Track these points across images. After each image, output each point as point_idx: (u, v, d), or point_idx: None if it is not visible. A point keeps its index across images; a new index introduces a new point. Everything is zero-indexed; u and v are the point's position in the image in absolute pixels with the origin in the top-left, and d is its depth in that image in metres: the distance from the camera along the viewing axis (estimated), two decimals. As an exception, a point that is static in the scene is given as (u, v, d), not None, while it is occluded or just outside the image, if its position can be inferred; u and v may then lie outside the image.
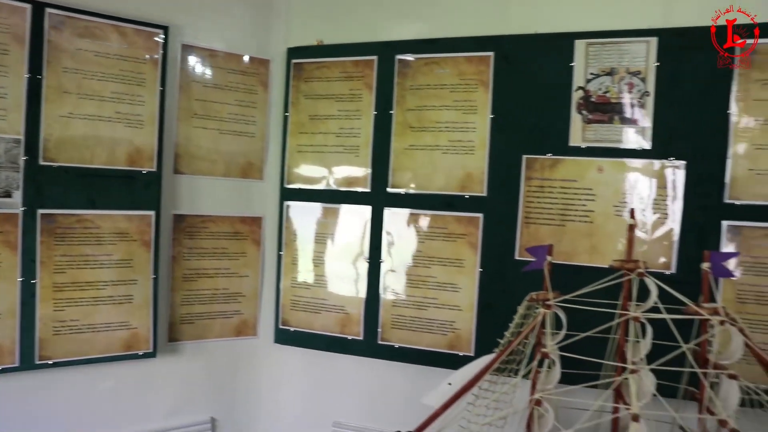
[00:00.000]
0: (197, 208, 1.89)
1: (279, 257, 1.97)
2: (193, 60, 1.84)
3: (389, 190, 1.82)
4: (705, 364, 1.09)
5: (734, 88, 1.53)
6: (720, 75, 1.53)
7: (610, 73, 1.62)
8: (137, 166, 1.73)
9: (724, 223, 1.53)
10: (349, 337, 1.87)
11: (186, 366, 1.92)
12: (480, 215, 1.72)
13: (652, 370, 1.11)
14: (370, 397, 1.92)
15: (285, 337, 1.97)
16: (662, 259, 1.56)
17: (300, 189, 1.94)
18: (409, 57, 1.80)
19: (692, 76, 1.56)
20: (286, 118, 1.95)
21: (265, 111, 1.97)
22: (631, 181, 1.59)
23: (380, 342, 1.84)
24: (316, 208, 1.92)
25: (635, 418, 1.03)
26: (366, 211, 1.85)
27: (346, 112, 1.88)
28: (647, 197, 1.58)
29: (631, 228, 1.14)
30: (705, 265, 1.11)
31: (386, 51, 1.83)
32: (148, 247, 1.76)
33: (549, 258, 1.23)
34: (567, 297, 1.21)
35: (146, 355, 1.78)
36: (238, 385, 2.03)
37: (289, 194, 1.95)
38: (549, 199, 1.65)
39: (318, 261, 1.92)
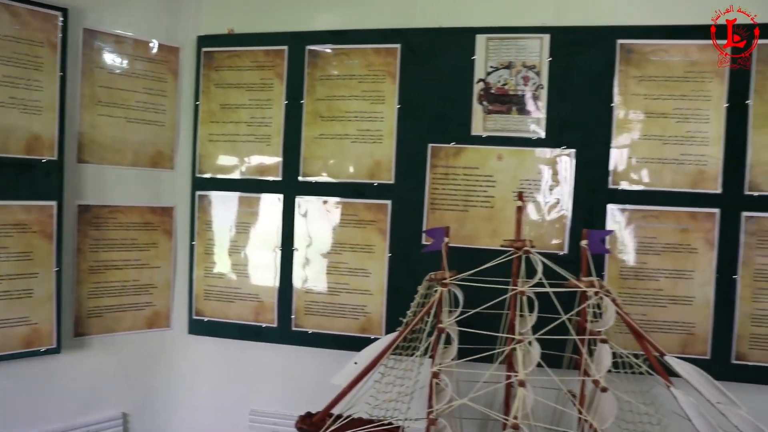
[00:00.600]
0: (104, 198, 1.84)
1: (191, 247, 1.96)
2: (96, 45, 1.79)
3: (301, 178, 1.85)
4: (584, 332, 1.19)
5: (616, 83, 1.66)
6: (604, 70, 1.67)
7: (508, 66, 1.72)
8: (36, 155, 1.67)
9: (609, 207, 1.66)
10: (263, 325, 1.89)
11: (95, 361, 1.87)
12: (388, 202, 1.78)
13: (539, 340, 1.21)
14: (285, 383, 1.94)
15: (199, 327, 1.96)
16: (556, 241, 1.68)
17: (212, 178, 1.93)
18: (319, 48, 1.83)
19: (580, 71, 1.68)
20: (197, 107, 1.94)
21: (175, 99, 1.95)
22: (528, 168, 1.70)
23: (294, 329, 1.87)
24: (228, 197, 1.92)
25: (522, 383, 1.12)
26: (278, 199, 1.87)
27: (258, 102, 1.89)
28: (542, 183, 1.69)
29: (519, 210, 1.23)
30: (583, 243, 1.21)
31: (297, 41, 1.85)
32: (50, 239, 1.70)
33: (446, 239, 1.30)
34: (462, 276, 1.29)
35: (49, 352, 1.72)
36: (152, 378, 2.00)
37: (201, 184, 1.94)
38: (453, 186, 1.74)
39: (231, 250, 1.92)
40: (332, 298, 1.83)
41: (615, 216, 1.66)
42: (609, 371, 1.24)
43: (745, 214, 1.62)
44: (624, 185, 1.66)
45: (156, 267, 1.95)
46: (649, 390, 1.25)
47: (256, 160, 1.89)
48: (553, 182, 1.68)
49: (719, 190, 1.63)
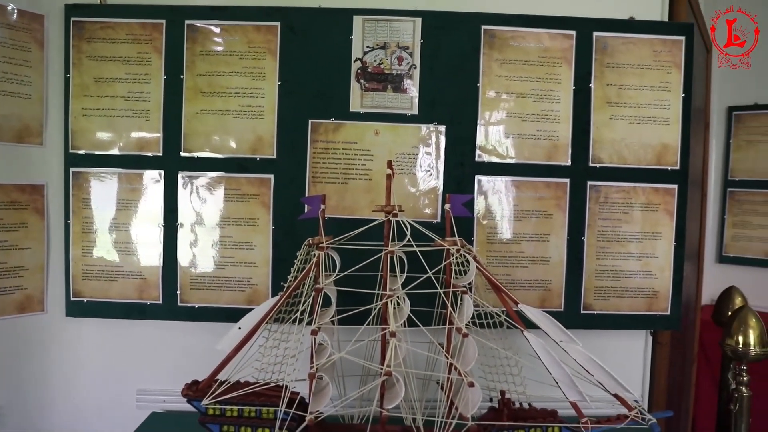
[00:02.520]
0: (-37, 176, 1.73)
1: (67, 226, 1.89)
2: (-51, 11, 1.67)
3: (183, 154, 1.85)
4: (449, 287, 1.32)
5: (481, 65, 1.82)
6: (470, 53, 1.82)
7: (383, 47, 1.82)
8: None
9: (477, 178, 1.82)
10: (148, 302, 1.87)
11: (-41, 350, 1.77)
12: (271, 176, 1.83)
13: (410, 298, 1.33)
14: (174, 359, 1.94)
15: (78, 309, 1.90)
16: (430, 210, 1.81)
17: (88, 155, 1.87)
18: (199, 23, 1.83)
19: (449, 53, 1.82)
20: (67, 80, 1.86)
21: (42, 71, 1.86)
22: (403, 143, 1.81)
23: (180, 304, 1.87)
24: (106, 173, 1.87)
25: (392, 334, 1.23)
26: (159, 175, 1.85)
27: (135, 76, 1.85)
28: (416, 157, 1.81)
29: (388, 177, 1.33)
30: (447, 206, 1.34)
31: (175, 15, 1.84)
32: None
33: (323, 206, 1.38)
34: (338, 239, 1.38)
35: None
36: (26, 366, 1.92)
37: (75, 160, 1.87)
38: (333, 160, 1.82)
39: (112, 228, 1.88)
40: (218, 272, 1.85)
41: (482, 186, 1.83)
42: (474, 323, 1.39)
43: (590, 183, 1.84)
44: (489, 158, 1.82)
45: (26, 248, 1.86)
46: (507, 337, 1.41)
47: (135, 135, 1.85)
48: (426, 155, 1.81)
49: (569, 163, 1.84)
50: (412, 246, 1.31)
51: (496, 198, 1.82)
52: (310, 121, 1.82)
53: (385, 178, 1.34)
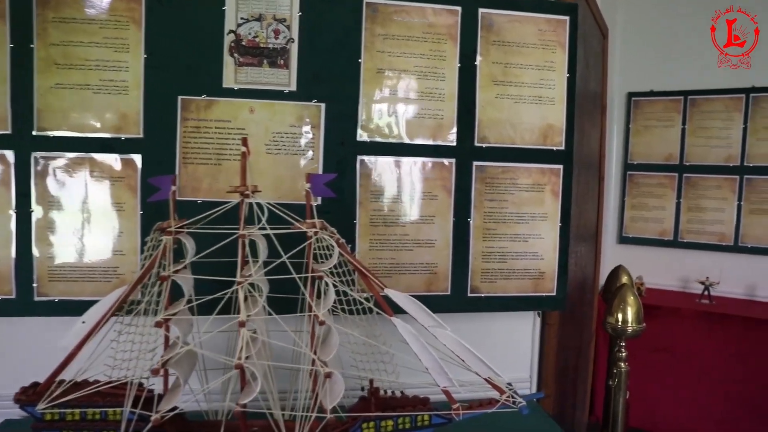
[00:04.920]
0: None
1: None
2: None
3: (36, 133, 1.66)
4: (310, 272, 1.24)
5: (363, 40, 1.73)
6: (352, 27, 1.73)
7: (258, 18, 1.70)
8: None
9: (359, 158, 1.75)
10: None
11: None
12: (138, 157, 1.68)
13: (274, 283, 1.24)
14: (31, 360, 1.76)
15: None
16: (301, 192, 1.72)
17: (-76, 133, 1.65)
18: (51, -13, 1.65)
19: (330, 27, 1.72)
20: None
21: None
22: (280, 122, 1.71)
23: (37, 298, 1.70)
24: (-53, 155, 1.66)
25: (242, 324, 1.13)
26: (8, 156, 1.66)
27: (-23, 45, 1.65)
28: (295, 136, 1.72)
29: (244, 155, 1.23)
30: (306, 186, 1.25)
31: (23, -23, 1.64)
32: None
33: (174, 187, 1.26)
34: (187, 222, 1.27)
35: None
36: None
37: None
38: (205, 140, 1.69)
39: (-44, 216, 1.67)
40: (80, 262, 1.69)
41: (365, 167, 1.75)
42: (343, 310, 1.32)
43: (475, 163, 1.80)
44: (372, 138, 1.75)
45: None
46: (378, 323, 1.35)
47: (-23, 111, 1.65)
48: (305, 134, 1.72)
49: (454, 142, 1.79)
50: (266, 229, 1.22)
51: (378, 179, 1.76)
52: (179, 97, 1.68)
53: (241, 156, 1.24)
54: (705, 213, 3.64)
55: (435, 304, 1.77)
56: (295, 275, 1.22)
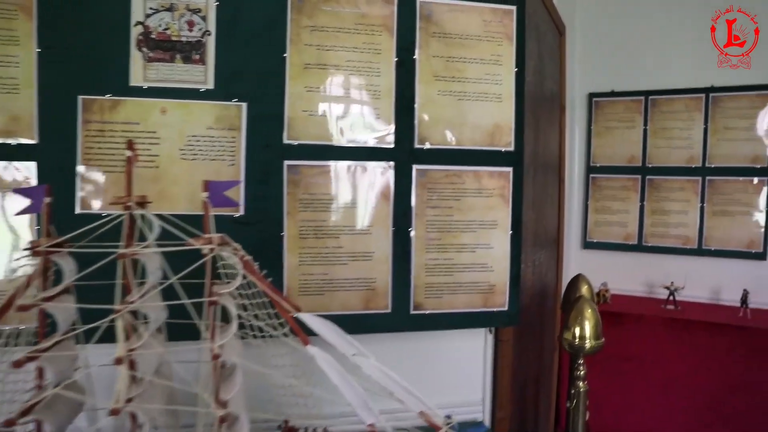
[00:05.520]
0: None
1: None
2: None
3: None
4: (211, 294, 1.06)
5: (288, 32, 1.56)
6: (275, 18, 1.56)
7: (170, 8, 1.52)
8: None
9: (285, 162, 1.57)
10: None
11: None
12: (33, 164, 1.48)
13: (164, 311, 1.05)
14: None
15: None
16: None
17: None
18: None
19: (251, 18, 1.55)
20: None
21: None
22: (196, 123, 1.52)
23: None
24: None
25: (118, 360, 0.94)
26: None
27: None
28: (212, 139, 1.53)
29: (130, 160, 1.04)
30: (204, 196, 1.07)
31: None
32: None
33: (47, 199, 1.06)
34: (62, 239, 1.07)
35: None
36: None
37: None
38: (111, 144, 1.50)
39: None
40: (-35, 287, 1.47)
41: (293, 173, 1.58)
42: (254, 336, 1.14)
43: (416, 167, 1.64)
44: (300, 140, 1.58)
45: None
46: (295, 351, 1.17)
47: None
48: (225, 137, 1.53)
49: (392, 144, 1.63)
50: (152, 247, 1.03)
51: (308, 185, 1.58)
52: (80, 97, 1.49)
53: (126, 161, 1.05)
54: (669, 216, 3.54)
55: (374, 323, 1.61)
56: (186, 301, 1.03)
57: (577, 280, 2.12)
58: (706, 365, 3.05)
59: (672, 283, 3.33)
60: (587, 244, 3.75)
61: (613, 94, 3.66)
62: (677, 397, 3.12)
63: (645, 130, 3.58)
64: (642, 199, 3.60)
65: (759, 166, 3.30)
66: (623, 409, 3.23)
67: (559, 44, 2.84)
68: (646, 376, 3.18)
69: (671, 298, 3.33)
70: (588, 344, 1.69)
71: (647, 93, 3.56)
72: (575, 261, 3.76)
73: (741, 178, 3.35)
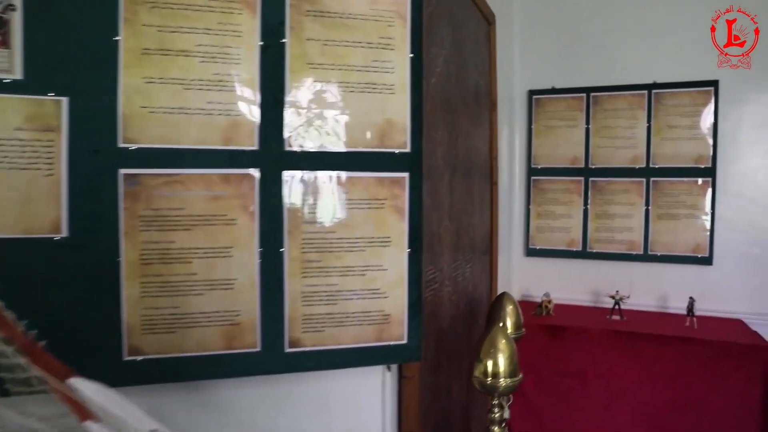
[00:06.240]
0: None
1: None
2: None
3: None
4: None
5: (121, 10, 1.25)
6: (103, -9, 1.24)
7: (-38, -24, 1.19)
8: None
9: (121, 171, 1.25)
10: None
11: None
12: None
13: None
14: None
15: None
16: (40, 223, 1.21)
17: None
18: None
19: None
20: None
21: None
22: (0, 123, 1.20)
23: None
24: None
25: None
26: None
27: None
28: (25, 143, 1.21)
29: None
30: None
31: None
32: None
33: None
34: None
35: None
36: None
37: None
38: None
39: None
40: None
41: (131, 184, 1.26)
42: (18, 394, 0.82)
43: (285, 173, 1.35)
44: (139, 144, 1.26)
45: None
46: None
47: None
48: (38, 141, 1.21)
49: (256, 146, 1.33)
50: None
51: (150, 199, 1.27)
52: None
53: None
54: (613, 220, 3.34)
55: (240, 365, 1.31)
56: None
57: (501, 300, 1.86)
58: (651, 379, 2.85)
59: (617, 292, 3.12)
60: (530, 252, 3.52)
61: (553, 90, 3.44)
62: (622, 414, 2.91)
63: (587, 129, 3.37)
64: (585, 203, 3.39)
65: (703, 166, 3.12)
66: (565, 428, 3.00)
67: (488, 35, 2.59)
68: (589, 391, 2.96)
69: (616, 307, 3.12)
70: (502, 383, 1.42)
71: (589, 90, 3.35)
72: (517, 270, 3.53)
73: (685, 179, 3.16)
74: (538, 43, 3.46)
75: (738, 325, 3.02)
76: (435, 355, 1.80)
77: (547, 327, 3.03)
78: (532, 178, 3.50)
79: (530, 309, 3.26)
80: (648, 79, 3.22)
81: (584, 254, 3.40)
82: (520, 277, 3.52)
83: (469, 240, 2.22)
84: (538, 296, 3.28)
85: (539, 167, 3.48)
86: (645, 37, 3.23)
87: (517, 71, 3.49)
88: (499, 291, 3.11)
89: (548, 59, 3.46)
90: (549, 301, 3.20)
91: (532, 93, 3.48)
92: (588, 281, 3.41)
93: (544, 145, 3.47)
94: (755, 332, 2.86)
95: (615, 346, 2.92)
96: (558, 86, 3.43)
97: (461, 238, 2.11)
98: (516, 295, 3.57)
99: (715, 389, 2.73)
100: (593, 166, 3.36)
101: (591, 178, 3.37)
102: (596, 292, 3.38)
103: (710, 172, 3.11)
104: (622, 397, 2.91)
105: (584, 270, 3.42)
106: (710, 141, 3.11)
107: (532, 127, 3.49)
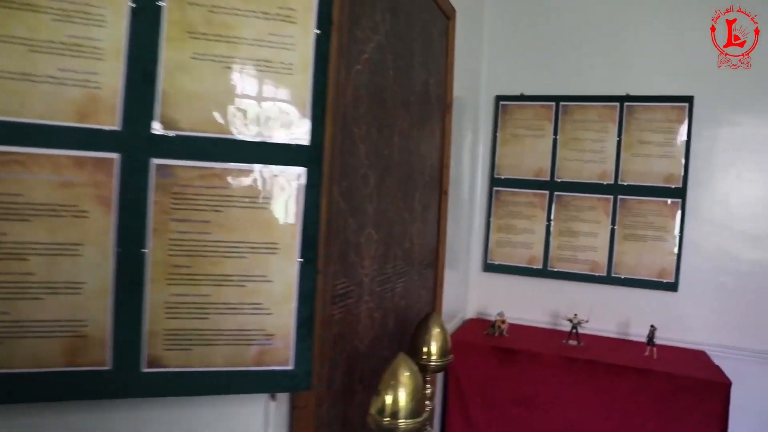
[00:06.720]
0: None
1: None
2: None
3: None
4: None
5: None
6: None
7: None
8: None
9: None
10: None
11: None
12: None
13: None
14: None
15: None
16: None
17: None
18: None
19: None
20: None
21: None
22: None
23: None
24: None
25: None
26: None
27: None
28: None
29: None
30: None
31: None
32: None
33: None
34: None
35: None
36: None
37: None
38: None
39: None
40: None
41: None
42: None
43: (155, 161, 1.14)
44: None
45: None
46: None
47: None
48: None
49: (117, 126, 1.12)
50: None
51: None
52: None
53: None
54: (577, 238, 3.15)
55: (85, 386, 1.09)
56: None
57: (426, 322, 1.65)
58: (605, 412, 2.65)
59: (576, 315, 2.93)
60: (488, 267, 3.32)
61: (522, 97, 3.25)
62: (575, 448, 2.70)
63: (555, 140, 3.18)
64: (549, 218, 3.20)
65: (673, 186, 2.94)
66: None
67: (446, 30, 2.39)
68: (540, 421, 2.76)
69: (574, 332, 2.92)
70: (401, 425, 1.21)
71: (559, 98, 3.17)
72: (475, 286, 3.33)
73: (654, 199, 2.98)
74: (509, 47, 3.28)
75: (700, 356, 2.83)
76: (346, 382, 1.59)
77: (499, 349, 2.83)
78: (495, 188, 3.30)
79: (485, 328, 3.06)
80: (620, 91, 3.04)
81: (545, 273, 3.21)
82: (478, 293, 3.32)
83: (403, 252, 2.01)
84: (494, 314, 3.08)
85: (502, 177, 3.29)
86: (619, 47, 3.06)
87: (484, 75, 3.30)
88: (452, 308, 2.91)
89: (518, 64, 3.28)
90: (503, 321, 3.00)
91: (499, 99, 3.29)
92: (547, 301, 3.22)
93: (509, 155, 3.27)
94: (717, 366, 2.68)
95: (569, 374, 2.73)
96: (527, 93, 3.24)
97: (392, 249, 1.90)
98: (472, 312, 3.37)
99: (671, 426, 2.54)
100: (559, 180, 3.17)
101: (556, 192, 3.18)
102: (555, 313, 3.19)
103: (680, 193, 2.93)
104: (575, 429, 2.71)
105: (544, 289, 3.23)
106: (682, 160, 2.93)
107: (497, 134, 3.29)
